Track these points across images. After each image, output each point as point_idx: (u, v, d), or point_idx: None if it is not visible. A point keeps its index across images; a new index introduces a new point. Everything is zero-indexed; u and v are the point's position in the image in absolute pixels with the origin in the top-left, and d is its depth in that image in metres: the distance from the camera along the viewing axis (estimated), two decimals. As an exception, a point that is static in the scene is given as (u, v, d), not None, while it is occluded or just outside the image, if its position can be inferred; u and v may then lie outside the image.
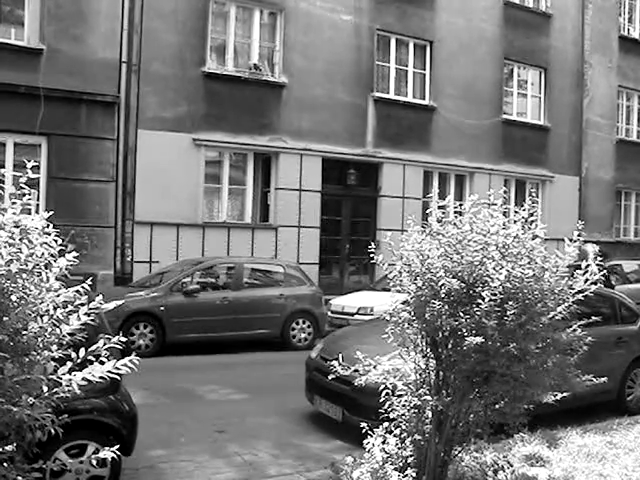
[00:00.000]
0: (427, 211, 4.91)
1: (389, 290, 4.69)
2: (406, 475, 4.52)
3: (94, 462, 4.21)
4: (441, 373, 4.57)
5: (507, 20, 18.90)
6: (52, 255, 3.38)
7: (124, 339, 3.55)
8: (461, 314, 4.24)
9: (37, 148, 13.05)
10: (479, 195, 4.75)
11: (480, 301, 4.15)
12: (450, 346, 4.42)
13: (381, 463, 4.65)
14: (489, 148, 18.62)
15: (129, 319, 11.10)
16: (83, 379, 3.33)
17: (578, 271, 4.58)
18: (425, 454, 4.59)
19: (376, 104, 16.86)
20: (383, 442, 4.75)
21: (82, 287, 3.50)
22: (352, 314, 12.89)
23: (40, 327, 3.27)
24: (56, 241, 3.39)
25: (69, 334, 3.40)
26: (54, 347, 3.34)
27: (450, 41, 17.94)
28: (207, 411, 7.92)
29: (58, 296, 3.37)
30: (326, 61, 16.11)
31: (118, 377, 3.48)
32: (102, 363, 3.38)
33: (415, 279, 4.44)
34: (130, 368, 3.41)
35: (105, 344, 3.43)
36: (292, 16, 15.76)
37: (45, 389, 3.25)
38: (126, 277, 13.80)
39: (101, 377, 3.36)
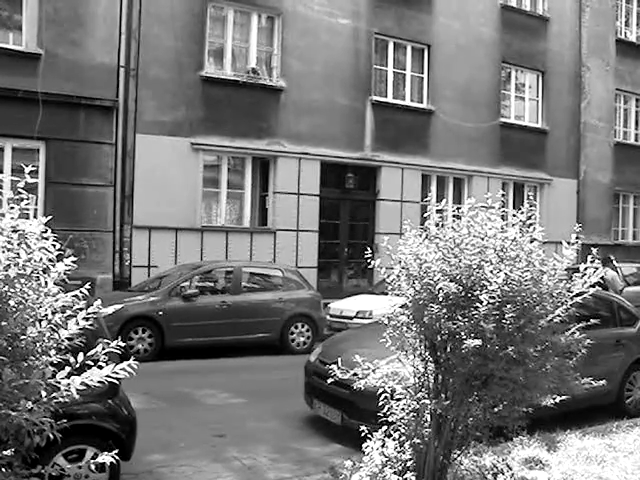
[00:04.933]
0: (425, 214, 4.91)
1: (387, 294, 4.69)
2: (405, 479, 4.51)
3: (93, 467, 4.20)
4: (440, 376, 4.57)
5: (505, 23, 18.95)
6: (50, 260, 3.38)
7: (123, 343, 3.55)
8: (459, 317, 4.24)
9: (35, 153, 13.05)
10: (477, 198, 4.75)
11: (478, 304, 4.15)
12: (449, 349, 4.41)
13: (380, 467, 4.64)
14: (487, 151, 18.64)
15: (128, 323, 11.09)
16: (82, 384, 3.32)
17: (576, 274, 4.58)
18: (424, 458, 4.59)
19: (374, 108, 16.89)
20: (382, 446, 4.75)
21: (80, 292, 3.50)
22: (351, 318, 12.89)
23: (38, 332, 3.27)
24: (54, 246, 3.39)
25: (68, 339, 3.39)
26: (52, 352, 3.34)
27: (448, 45, 17.97)
28: (206, 415, 7.91)
29: (56, 301, 3.36)
30: (324, 65, 16.14)
31: (117, 381, 3.47)
32: (100, 368, 3.38)
33: (413, 283, 4.44)
34: (129, 372, 3.41)
35: (104, 349, 3.42)
36: (290, 20, 15.79)
37: (43, 394, 3.25)
38: (125, 281, 13.79)
39: (100, 382, 3.35)
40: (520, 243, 4.44)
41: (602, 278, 13.68)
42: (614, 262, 14.38)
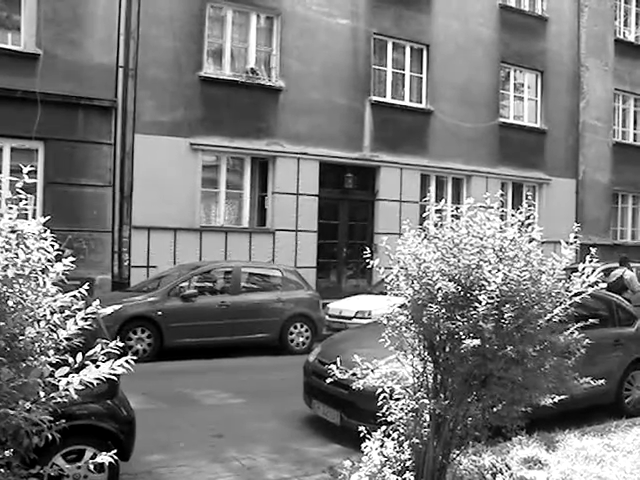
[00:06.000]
0: (424, 214, 4.91)
1: (386, 294, 4.69)
2: (404, 479, 4.51)
3: (92, 467, 4.19)
4: (439, 376, 4.57)
5: (503, 23, 18.95)
6: (49, 260, 3.37)
7: (121, 344, 3.55)
8: (458, 317, 4.24)
9: (34, 153, 13.04)
10: (476, 198, 4.75)
11: (477, 304, 4.16)
12: (448, 349, 4.42)
13: (379, 467, 4.64)
14: (486, 151, 18.64)
15: (126, 324, 11.08)
16: (80, 383, 3.32)
17: (575, 274, 4.59)
18: (423, 458, 4.59)
19: (373, 108, 16.88)
20: (381, 446, 4.75)
21: (79, 292, 3.50)
22: (350, 318, 12.88)
23: (37, 332, 3.27)
24: (53, 246, 3.38)
25: (66, 339, 3.39)
26: (51, 352, 3.33)
27: (446, 45, 17.97)
28: (205, 416, 7.91)
29: (55, 301, 3.36)
30: (323, 65, 16.14)
31: (116, 381, 3.47)
32: (98, 367, 3.37)
33: (412, 283, 4.45)
34: (126, 369, 3.40)
35: (102, 349, 3.42)
36: (289, 20, 15.78)
37: (42, 394, 3.24)
38: (123, 282, 13.78)
39: (98, 379, 3.34)
40: (519, 243, 4.45)
41: (621, 278, 13.59)
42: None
